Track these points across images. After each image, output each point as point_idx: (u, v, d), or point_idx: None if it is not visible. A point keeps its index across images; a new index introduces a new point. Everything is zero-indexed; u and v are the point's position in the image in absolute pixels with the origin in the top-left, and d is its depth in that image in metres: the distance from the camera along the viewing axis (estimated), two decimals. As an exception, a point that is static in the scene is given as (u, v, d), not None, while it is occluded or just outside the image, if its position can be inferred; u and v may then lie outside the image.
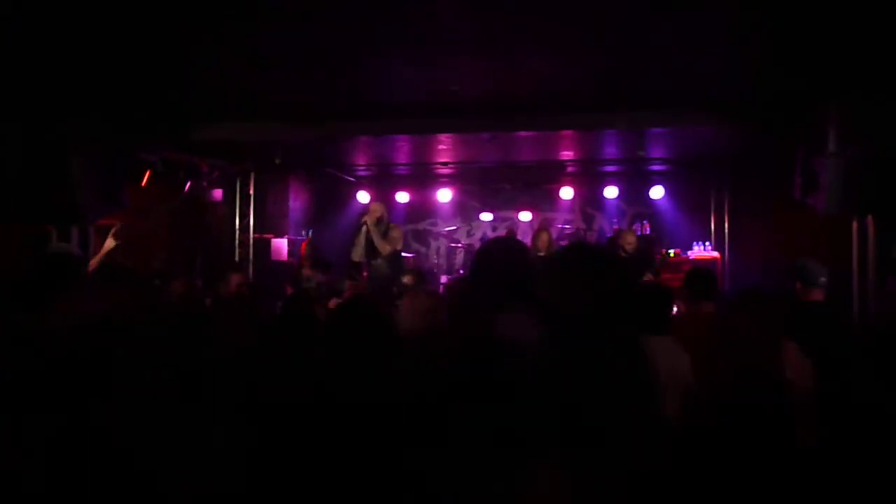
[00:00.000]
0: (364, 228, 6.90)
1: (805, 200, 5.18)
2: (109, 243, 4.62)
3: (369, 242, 6.86)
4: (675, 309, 4.12)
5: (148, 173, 7.10)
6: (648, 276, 6.47)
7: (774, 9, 3.98)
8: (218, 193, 8.72)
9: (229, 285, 4.51)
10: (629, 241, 6.78)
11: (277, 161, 8.21)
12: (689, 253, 9.12)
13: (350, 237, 7.43)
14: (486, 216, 10.64)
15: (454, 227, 10.68)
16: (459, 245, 10.39)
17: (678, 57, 4.87)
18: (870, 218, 5.34)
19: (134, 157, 6.52)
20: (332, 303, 5.39)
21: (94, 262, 4.39)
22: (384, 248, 6.78)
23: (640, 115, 6.39)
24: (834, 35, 4.21)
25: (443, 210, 10.84)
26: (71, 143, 5.09)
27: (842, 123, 4.69)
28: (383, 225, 6.95)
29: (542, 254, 6.91)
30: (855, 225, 5.54)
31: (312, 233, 10.01)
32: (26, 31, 4.04)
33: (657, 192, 9.86)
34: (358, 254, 6.94)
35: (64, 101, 5.11)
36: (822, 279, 3.89)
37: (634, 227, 9.82)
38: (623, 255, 6.64)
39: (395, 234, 7.01)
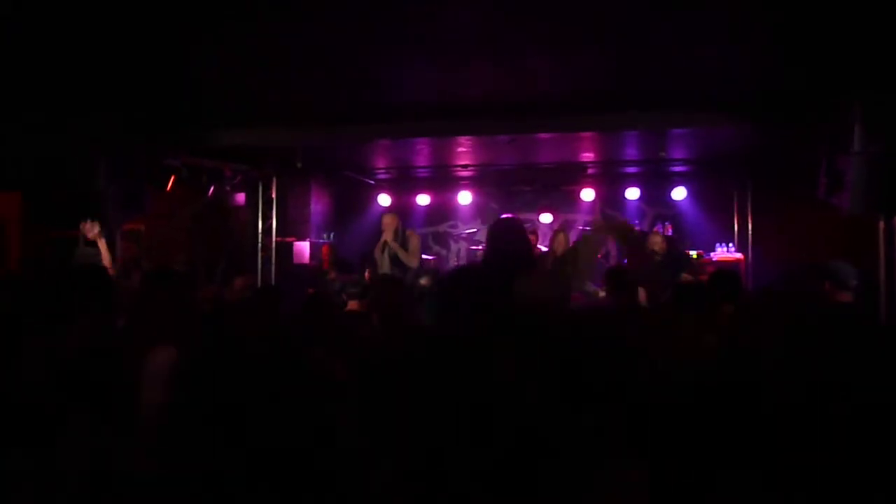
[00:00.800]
0: (384, 245, 6.82)
1: (830, 200, 5.11)
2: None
3: (394, 258, 6.76)
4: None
5: (173, 178, 7.21)
6: (686, 277, 6.46)
7: (797, 6, 3.93)
8: (241, 197, 8.82)
9: (233, 289, 4.51)
10: (656, 243, 6.83)
11: (299, 165, 8.28)
12: (713, 254, 9.03)
13: (370, 244, 7.40)
14: (507, 218, 10.63)
15: (474, 230, 10.68)
16: (479, 247, 10.38)
17: (699, 56, 4.84)
18: (897, 218, 5.25)
19: (157, 162, 6.62)
20: (353, 304, 5.40)
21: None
22: (411, 261, 6.67)
23: (659, 116, 6.34)
24: (857, 32, 4.16)
25: (463, 212, 10.86)
26: (94, 148, 5.19)
27: (866, 121, 4.61)
28: (400, 236, 6.86)
29: (558, 255, 6.92)
30: (882, 225, 5.44)
31: (334, 236, 10.08)
32: (50, 40, 4.13)
33: (679, 193, 9.77)
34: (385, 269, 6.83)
35: (86, 108, 5.22)
36: (854, 282, 3.86)
37: (657, 228, 9.75)
38: (656, 258, 6.69)
39: (414, 242, 6.94)
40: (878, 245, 5.45)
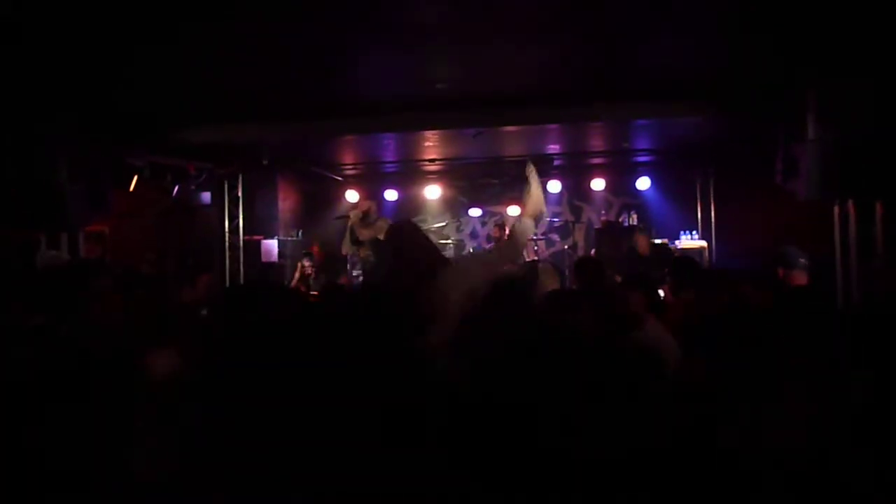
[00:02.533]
0: (348, 222, 7.03)
1: (785, 186, 5.26)
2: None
3: (353, 234, 7.01)
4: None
5: (135, 178, 7.10)
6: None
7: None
8: (206, 196, 8.72)
9: (197, 288, 4.29)
10: (641, 245, 7.32)
11: (265, 162, 8.21)
12: (677, 242, 9.20)
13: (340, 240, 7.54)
14: (475, 211, 10.68)
15: (443, 224, 10.71)
16: (449, 241, 10.42)
17: (659, 48, 4.92)
18: (850, 202, 5.43)
19: (121, 162, 6.52)
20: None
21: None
22: (363, 234, 6.89)
23: (623, 107, 6.44)
24: (811, 23, 4.27)
25: (431, 207, 10.88)
26: (57, 148, 5.10)
27: (820, 109, 4.76)
28: (371, 218, 7.04)
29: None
30: (836, 209, 5.62)
31: (302, 233, 10.03)
32: (11, 38, 4.05)
33: (643, 182, 9.93)
34: (346, 247, 7.03)
35: (50, 107, 5.12)
36: (802, 261, 3.97)
37: (622, 218, 9.90)
38: (641, 256, 7.13)
39: (381, 224, 7.10)
40: (834, 229, 5.64)
